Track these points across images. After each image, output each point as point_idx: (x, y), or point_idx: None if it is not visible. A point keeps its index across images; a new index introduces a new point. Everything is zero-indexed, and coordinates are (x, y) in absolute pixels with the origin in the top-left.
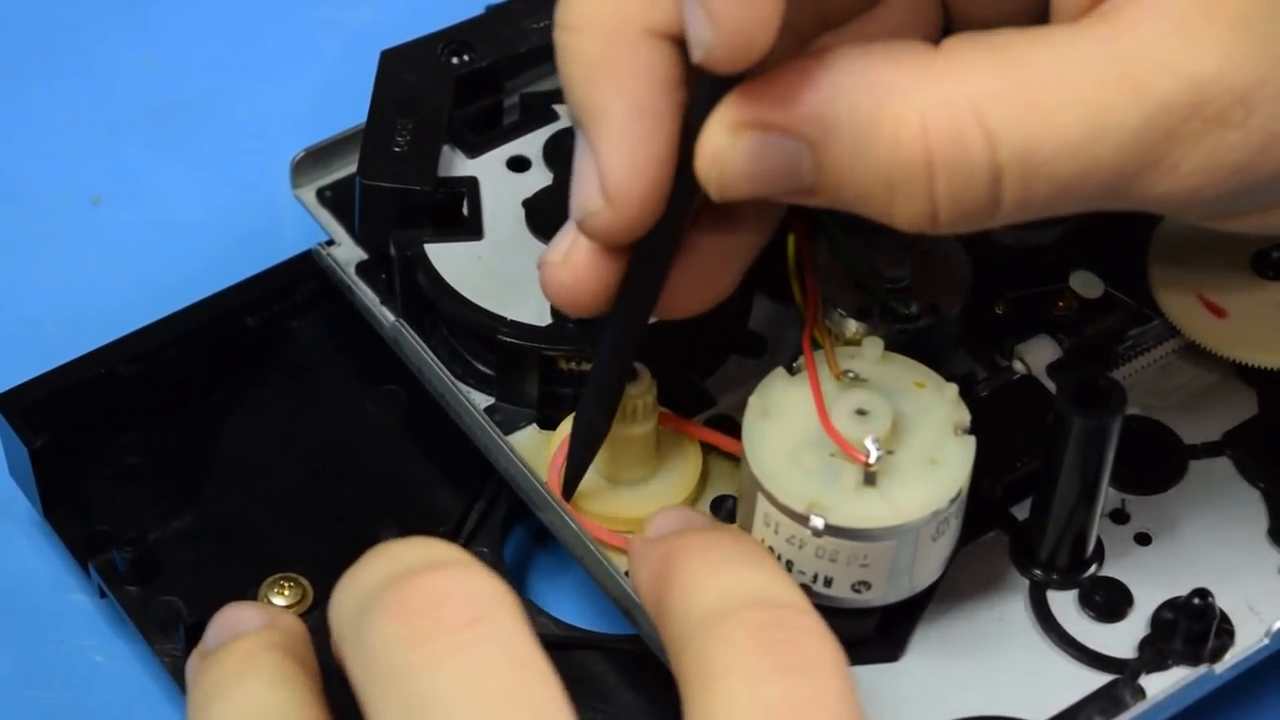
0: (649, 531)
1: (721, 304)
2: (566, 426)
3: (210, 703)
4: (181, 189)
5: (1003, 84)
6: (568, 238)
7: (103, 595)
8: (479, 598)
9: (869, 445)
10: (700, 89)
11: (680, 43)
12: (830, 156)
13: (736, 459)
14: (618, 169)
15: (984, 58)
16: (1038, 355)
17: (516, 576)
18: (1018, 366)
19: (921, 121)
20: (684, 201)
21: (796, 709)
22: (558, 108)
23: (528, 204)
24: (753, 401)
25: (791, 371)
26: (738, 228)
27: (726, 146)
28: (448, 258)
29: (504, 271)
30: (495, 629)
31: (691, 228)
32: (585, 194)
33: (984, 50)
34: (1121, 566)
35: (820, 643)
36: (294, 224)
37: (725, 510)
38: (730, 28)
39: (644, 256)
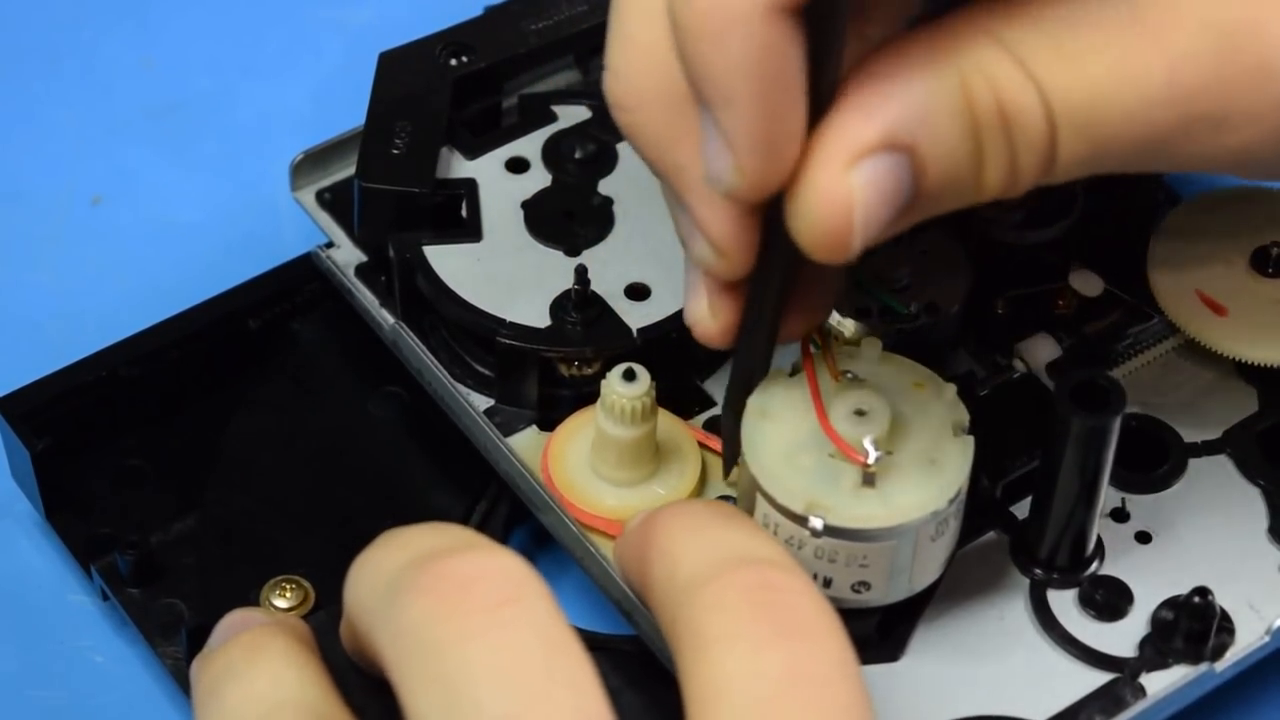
0: (628, 528)
1: None
2: (564, 428)
3: (222, 685)
4: (181, 189)
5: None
6: (697, 294)
7: (105, 598)
8: (512, 578)
9: (868, 446)
10: None
11: None
12: (927, 150)
13: None
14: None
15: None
16: (1038, 354)
17: None
18: (1017, 365)
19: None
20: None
21: (800, 677)
22: (556, 109)
23: (526, 205)
24: (751, 402)
25: (790, 372)
26: None
27: (850, 183)
28: (447, 260)
29: (503, 273)
30: (529, 608)
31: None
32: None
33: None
34: (1122, 565)
35: (814, 604)
36: (294, 225)
37: None
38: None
39: (760, 288)
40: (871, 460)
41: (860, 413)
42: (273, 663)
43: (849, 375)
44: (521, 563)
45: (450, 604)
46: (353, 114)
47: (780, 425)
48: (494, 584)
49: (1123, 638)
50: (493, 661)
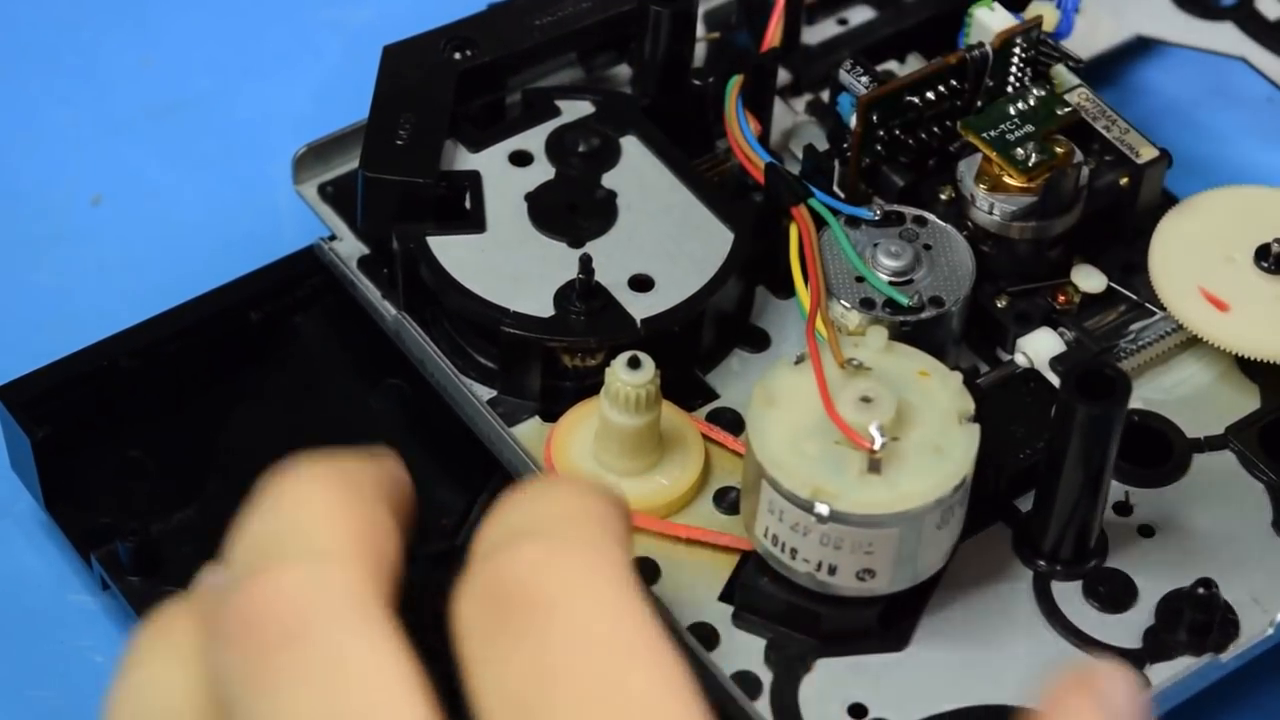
0: None
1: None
2: (567, 419)
3: (115, 679)
4: (181, 189)
5: None
6: None
7: (105, 587)
8: (299, 608)
9: (873, 432)
10: None
11: None
12: None
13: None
14: None
15: None
16: (1040, 349)
17: None
18: (1020, 360)
19: None
20: None
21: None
22: (560, 103)
23: (530, 197)
24: (757, 390)
25: (796, 361)
26: None
27: None
28: (450, 250)
29: (506, 264)
30: (317, 643)
31: None
32: None
33: None
34: (1125, 558)
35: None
36: (294, 224)
37: (728, 502)
38: None
39: None
40: (877, 446)
41: (866, 400)
42: (155, 663)
43: (854, 363)
44: (314, 581)
45: (241, 652)
46: (353, 114)
47: (786, 413)
48: (279, 621)
49: (1127, 629)
50: (285, 710)
